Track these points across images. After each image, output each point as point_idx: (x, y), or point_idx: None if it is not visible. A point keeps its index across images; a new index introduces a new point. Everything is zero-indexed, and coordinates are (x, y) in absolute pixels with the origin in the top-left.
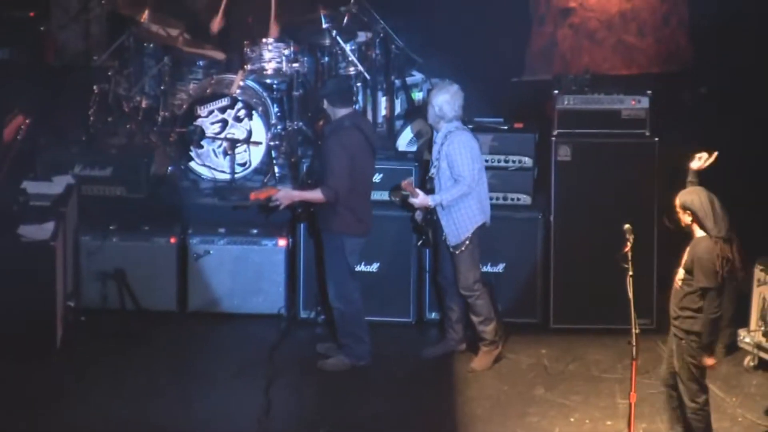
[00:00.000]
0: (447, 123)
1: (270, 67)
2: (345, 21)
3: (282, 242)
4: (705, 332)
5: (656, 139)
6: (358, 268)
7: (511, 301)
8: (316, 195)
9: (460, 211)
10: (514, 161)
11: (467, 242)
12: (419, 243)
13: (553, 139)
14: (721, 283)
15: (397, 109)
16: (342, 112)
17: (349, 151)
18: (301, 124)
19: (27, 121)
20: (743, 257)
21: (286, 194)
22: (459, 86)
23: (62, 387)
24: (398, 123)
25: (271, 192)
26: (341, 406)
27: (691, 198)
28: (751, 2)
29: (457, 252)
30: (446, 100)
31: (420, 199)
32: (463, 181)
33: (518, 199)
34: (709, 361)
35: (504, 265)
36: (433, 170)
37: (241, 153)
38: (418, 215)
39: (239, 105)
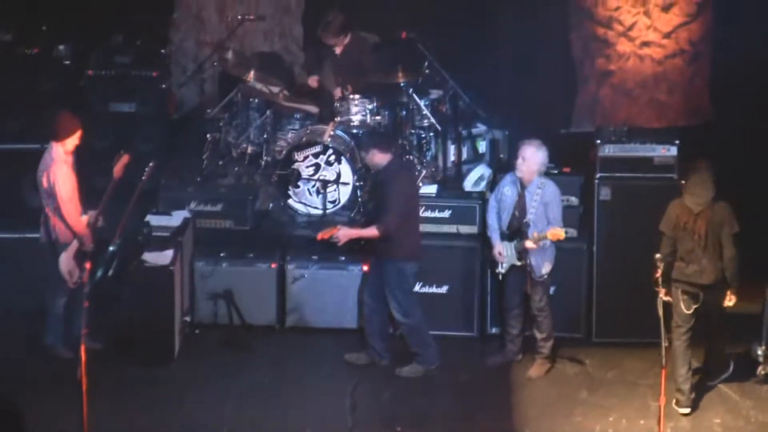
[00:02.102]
0: (539, 175)
1: (356, 119)
2: (420, 80)
3: (366, 267)
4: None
5: (683, 182)
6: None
7: (559, 318)
8: (371, 232)
9: (552, 249)
10: (563, 200)
11: (549, 273)
12: (498, 272)
13: (596, 181)
14: (672, 235)
15: (464, 156)
16: (387, 158)
17: (405, 194)
18: None
19: (152, 164)
20: (706, 230)
21: (345, 233)
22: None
23: (180, 388)
24: (464, 167)
25: (333, 231)
26: (415, 407)
27: (689, 169)
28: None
29: (540, 280)
30: (544, 156)
31: (538, 244)
32: (558, 225)
33: (567, 232)
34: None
35: (554, 288)
36: (529, 216)
37: (332, 192)
38: (513, 255)
39: (330, 151)
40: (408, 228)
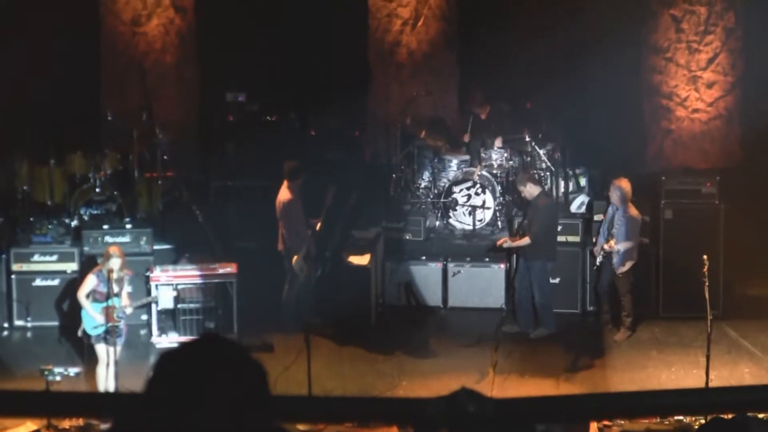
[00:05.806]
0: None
1: (496, 163)
2: (540, 136)
3: (502, 266)
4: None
5: (722, 206)
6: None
7: (636, 300)
8: (525, 241)
9: (627, 253)
10: (642, 218)
11: (628, 270)
12: (595, 267)
13: (662, 205)
14: None
15: (570, 188)
16: (537, 189)
17: (549, 217)
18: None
19: (333, 189)
20: None
21: (511, 242)
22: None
23: (374, 348)
24: (570, 196)
25: (503, 240)
26: (537, 359)
27: None
28: None
29: (621, 275)
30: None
31: (616, 246)
32: (630, 237)
33: (643, 241)
34: None
35: (633, 279)
36: (615, 230)
37: (479, 214)
38: (602, 252)
39: (478, 186)
40: (549, 238)
